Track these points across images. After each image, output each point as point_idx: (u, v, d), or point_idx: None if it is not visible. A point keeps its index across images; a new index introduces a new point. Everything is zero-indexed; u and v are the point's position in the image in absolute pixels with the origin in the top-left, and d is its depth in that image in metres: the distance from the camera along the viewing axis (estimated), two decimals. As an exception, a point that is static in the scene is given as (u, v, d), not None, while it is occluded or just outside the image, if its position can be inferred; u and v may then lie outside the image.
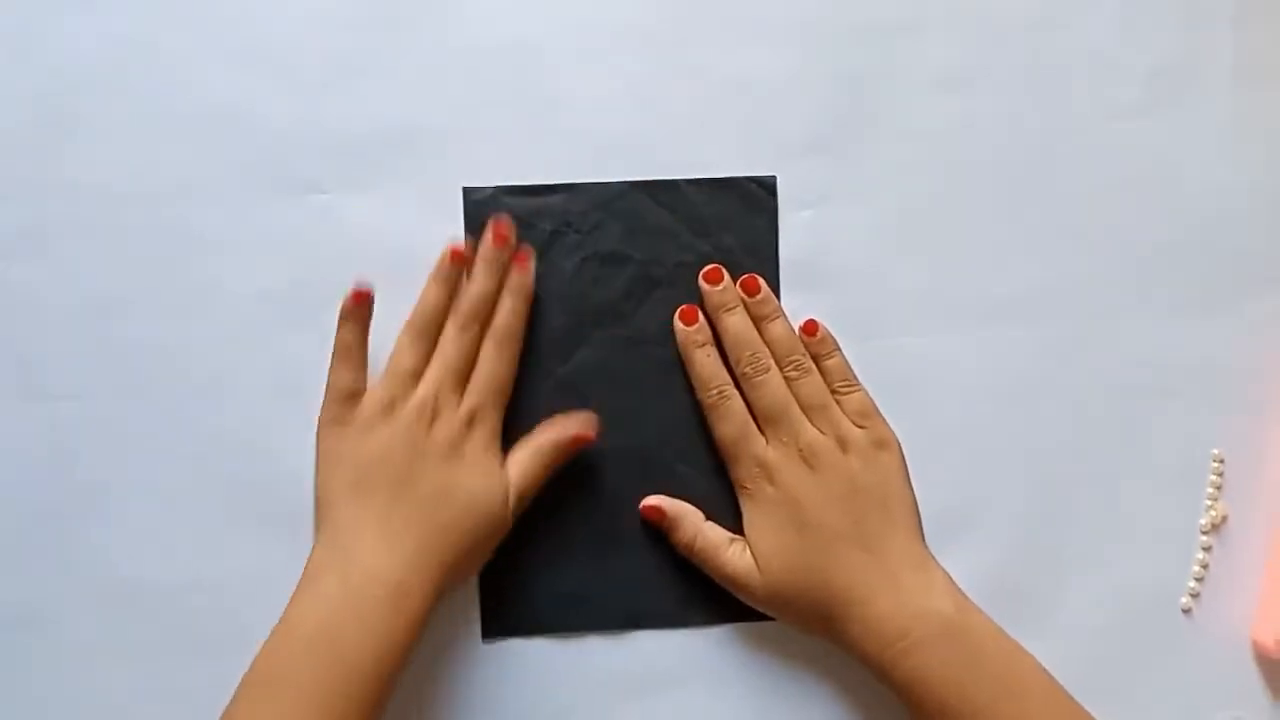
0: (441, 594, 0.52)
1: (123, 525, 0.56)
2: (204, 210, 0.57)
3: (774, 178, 0.59)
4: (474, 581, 0.57)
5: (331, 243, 0.58)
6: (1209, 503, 0.59)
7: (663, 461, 0.58)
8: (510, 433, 0.56)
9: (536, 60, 0.58)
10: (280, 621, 0.50)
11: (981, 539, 0.58)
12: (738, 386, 0.57)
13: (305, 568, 0.51)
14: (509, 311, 0.56)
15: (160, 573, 0.56)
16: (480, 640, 0.57)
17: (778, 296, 0.58)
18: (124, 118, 0.57)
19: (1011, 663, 0.52)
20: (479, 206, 0.58)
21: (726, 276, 0.58)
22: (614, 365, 0.58)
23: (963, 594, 0.53)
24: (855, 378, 0.57)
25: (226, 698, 0.52)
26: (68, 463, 0.57)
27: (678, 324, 0.58)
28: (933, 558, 0.54)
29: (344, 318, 0.55)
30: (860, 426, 0.55)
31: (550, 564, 0.57)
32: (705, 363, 0.57)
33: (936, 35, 0.59)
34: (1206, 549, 0.58)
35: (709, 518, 0.57)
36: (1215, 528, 0.58)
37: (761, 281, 0.58)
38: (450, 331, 0.55)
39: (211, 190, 0.57)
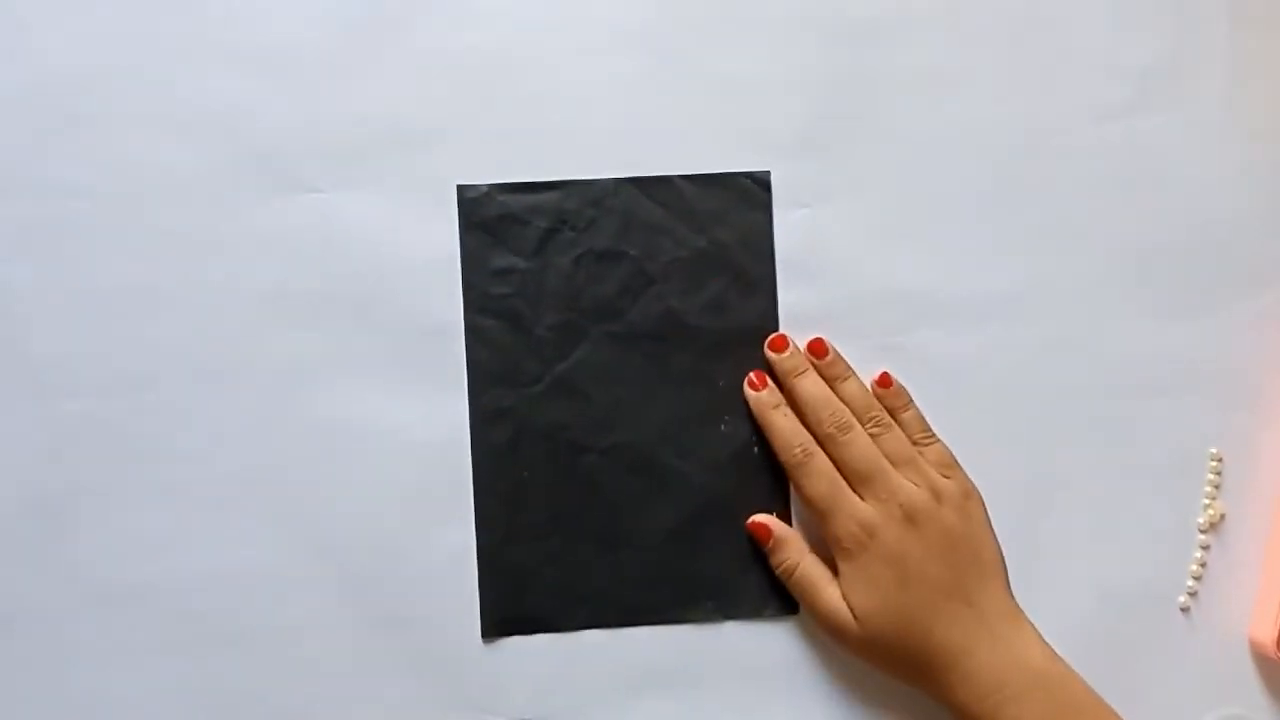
0: None
1: (122, 525, 0.57)
2: (200, 210, 0.57)
3: (768, 173, 0.58)
4: (473, 579, 0.57)
5: (327, 242, 0.58)
6: (1206, 502, 0.58)
7: (660, 458, 0.58)
8: (510, 429, 0.57)
9: (529, 59, 0.58)
10: None
11: None
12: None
13: None
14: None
15: (159, 573, 0.57)
16: (479, 639, 0.57)
17: (774, 292, 0.58)
18: (121, 118, 0.57)
19: (1100, 713, 0.53)
20: (473, 204, 0.58)
21: (792, 342, 0.58)
22: (611, 362, 0.58)
23: (1049, 645, 0.54)
24: (931, 428, 0.57)
25: (225, 699, 0.53)
26: (66, 462, 0.57)
27: (748, 391, 0.58)
28: (1020, 609, 0.55)
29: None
30: (945, 477, 0.56)
31: (549, 561, 0.58)
32: (784, 423, 0.57)
33: (929, 34, 0.59)
34: (1204, 548, 0.58)
35: (707, 514, 0.58)
36: (1213, 526, 0.58)
37: (829, 343, 0.58)
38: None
39: (208, 190, 0.57)
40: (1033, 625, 0.54)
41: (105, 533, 0.57)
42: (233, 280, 0.57)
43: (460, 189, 0.58)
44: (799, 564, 0.56)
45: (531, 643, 0.57)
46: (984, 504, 0.56)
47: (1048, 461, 0.59)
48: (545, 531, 0.58)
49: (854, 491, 0.55)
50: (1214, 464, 0.58)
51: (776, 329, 0.58)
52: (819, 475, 0.55)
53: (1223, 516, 0.58)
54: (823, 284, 0.59)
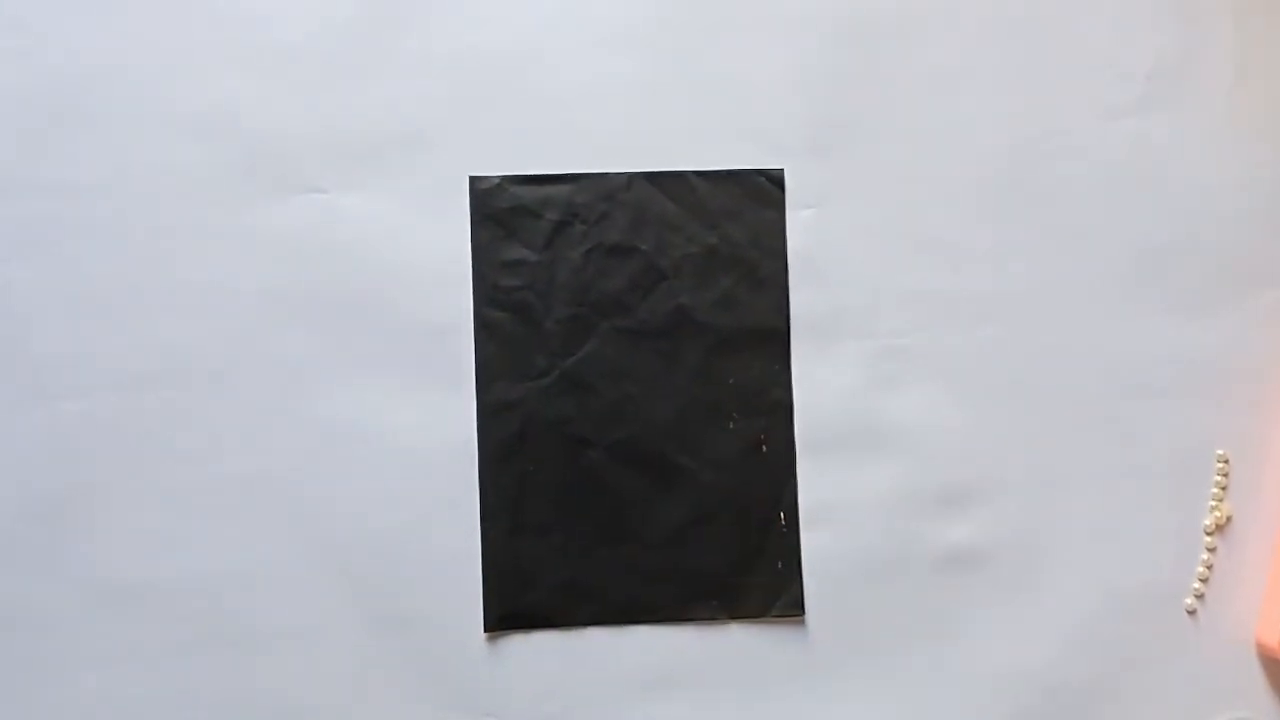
0: None
1: (123, 526, 0.56)
2: (203, 210, 0.57)
3: (782, 171, 0.59)
4: (476, 573, 0.56)
5: (331, 241, 0.57)
6: (1213, 503, 0.58)
7: (667, 454, 0.58)
8: (517, 422, 0.57)
9: (539, 57, 0.58)
10: None
11: (983, 538, 0.58)
12: None
13: None
14: None
15: (160, 573, 0.56)
16: (482, 633, 0.56)
17: (785, 290, 0.58)
18: (125, 118, 0.57)
19: None
20: (485, 196, 0.58)
21: None
22: (620, 357, 0.58)
23: None
24: None
25: (226, 699, 0.52)
26: (68, 462, 0.56)
27: None
28: None
29: None
30: None
31: (553, 556, 0.57)
32: None
33: (937, 35, 0.59)
34: (1211, 550, 0.58)
35: (713, 512, 0.57)
36: (1220, 528, 0.58)
37: None
38: None
39: (211, 190, 0.57)
40: None
41: (107, 533, 0.56)
42: (236, 280, 0.57)
43: (473, 180, 0.58)
44: None
45: (534, 640, 0.57)
46: None
47: (1053, 462, 0.58)
48: (550, 526, 0.57)
49: None
50: (1221, 465, 0.59)
51: (787, 327, 0.58)
52: None
53: (1229, 518, 0.58)
54: (830, 283, 0.59)
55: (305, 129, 0.57)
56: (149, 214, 0.57)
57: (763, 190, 0.59)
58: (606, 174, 0.58)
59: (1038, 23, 0.60)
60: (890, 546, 0.58)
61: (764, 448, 0.58)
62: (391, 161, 0.58)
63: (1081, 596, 0.58)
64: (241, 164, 0.57)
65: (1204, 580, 0.58)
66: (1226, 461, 0.59)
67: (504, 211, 0.58)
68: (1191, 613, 0.58)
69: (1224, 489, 0.58)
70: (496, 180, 0.58)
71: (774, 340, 0.58)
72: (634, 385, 0.58)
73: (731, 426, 0.58)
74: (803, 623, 0.57)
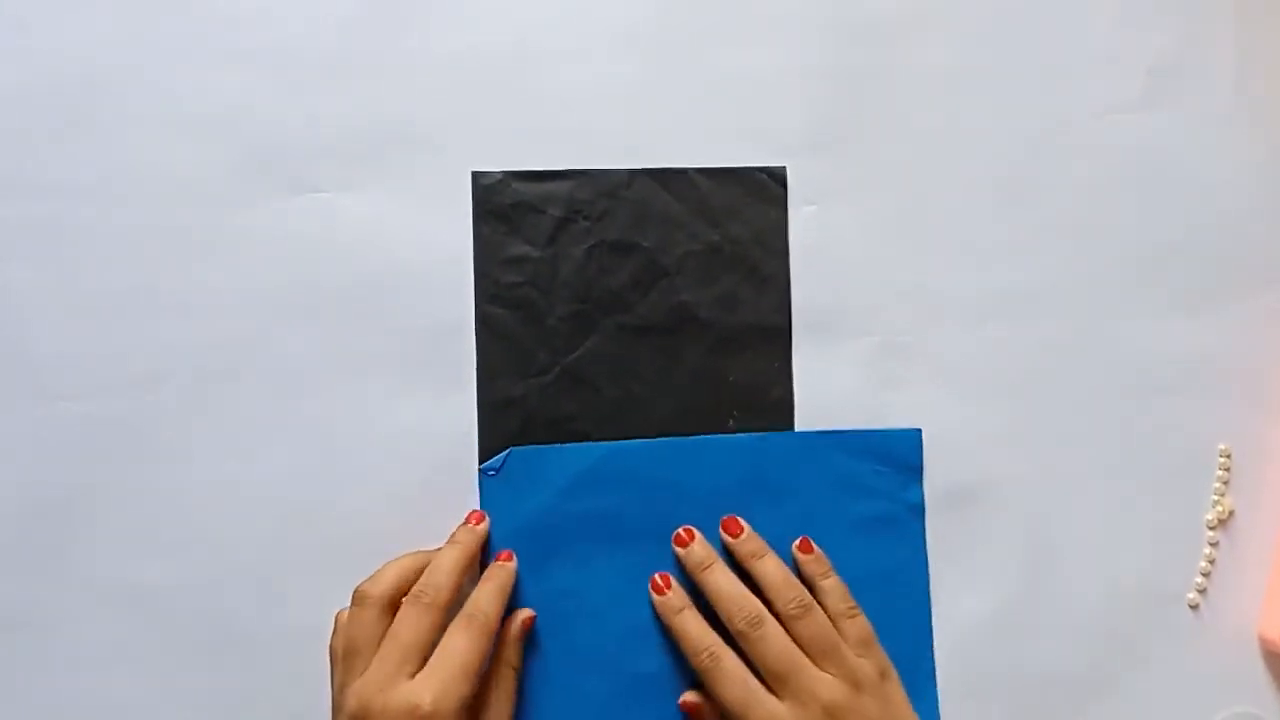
0: None
1: (122, 526, 0.55)
2: (202, 210, 0.57)
3: (784, 168, 0.59)
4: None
5: (331, 242, 0.57)
6: (1215, 498, 0.59)
7: (668, 452, 0.58)
8: (518, 419, 0.56)
9: (540, 55, 0.58)
10: None
11: (984, 535, 0.58)
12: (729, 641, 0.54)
13: None
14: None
15: (162, 575, 0.55)
16: None
17: (788, 288, 0.58)
18: (122, 118, 0.57)
19: None
20: (487, 191, 0.57)
21: (697, 534, 0.56)
22: (621, 354, 0.58)
23: None
24: (852, 597, 0.55)
25: (226, 700, 0.51)
26: (68, 463, 0.56)
27: (651, 594, 0.56)
28: None
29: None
30: (861, 656, 0.54)
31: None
32: (688, 627, 0.54)
33: (938, 32, 0.60)
34: (1213, 544, 0.58)
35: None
36: (1222, 523, 0.59)
37: (742, 521, 0.56)
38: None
39: (210, 190, 0.57)
40: None
41: (107, 534, 0.55)
42: (236, 281, 0.57)
43: (475, 175, 0.57)
44: None
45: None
46: (899, 679, 0.55)
47: (1056, 459, 0.59)
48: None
49: (771, 691, 0.52)
50: (1223, 460, 0.59)
51: (789, 325, 0.58)
52: (730, 680, 0.52)
53: (1232, 513, 0.59)
54: (831, 281, 0.59)
55: (305, 129, 0.57)
56: (150, 215, 0.56)
57: (765, 188, 0.59)
58: (609, 170, 0.58)
59: (1038, 20, 0.60)
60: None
61: (766, 446, 0.58)
62: (393, 160, 0.57)
63: (1083, 592, 0.58)
64: (241, 164, 0.57)
65: (1206, 575, 0.58)
66: (1229, 456, 0.59)
67: (506, 207, 0.57)
68: (1194, 607, 0.58)
69: (1226, 484, 0.59)
70: (499, 176, 0.58)
71: (776, 338, 0.58)
72: (635, 382, 0.58)
73: (732, 424, 0.58)
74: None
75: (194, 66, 0.57)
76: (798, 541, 0.56)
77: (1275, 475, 0.59)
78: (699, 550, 0.56)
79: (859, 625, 0.55)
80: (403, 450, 0.56)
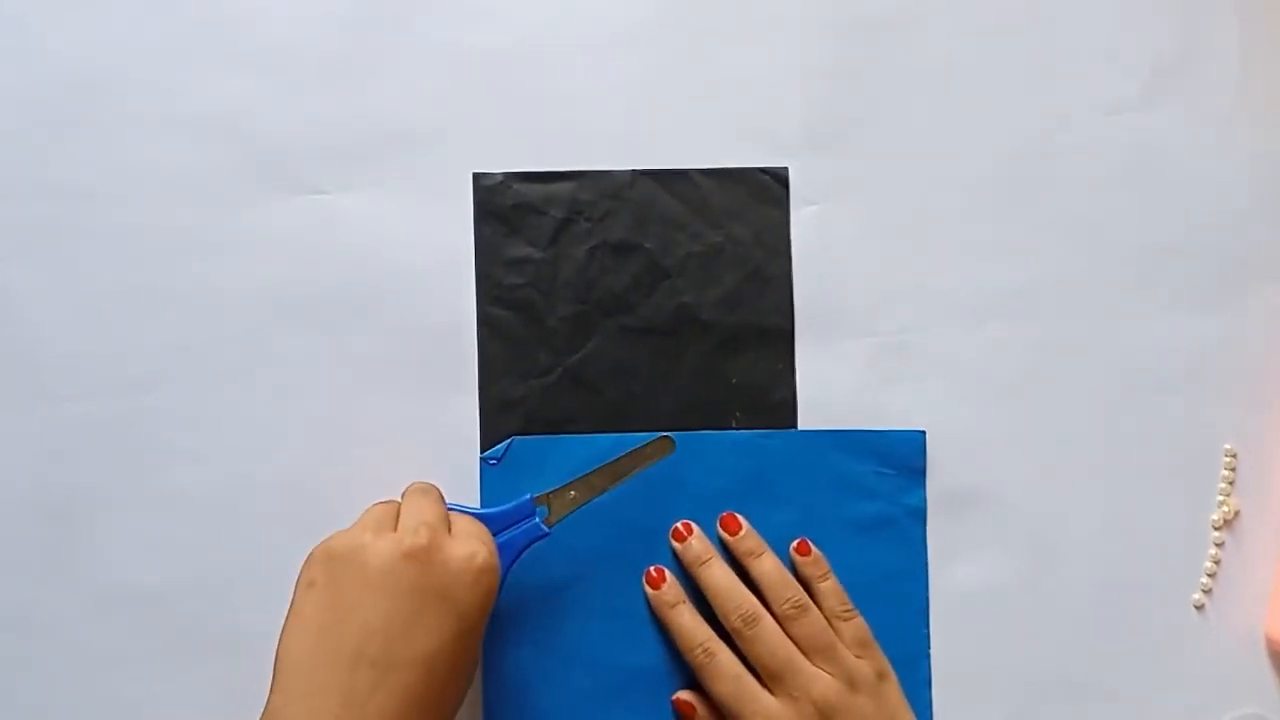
0: None
1: (128, 528, 0.56)
2: (204, 211, 0.57)
3: (786, 169, 0.59)
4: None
5: (332, 243, 0.57)
6: (1221, 498, 0.58)
7: (670, 454, 0.58)
8: (519, 420, 0.57)
9: (540, 55, 0.58)
10: None
11: (988, 535, 0.58)
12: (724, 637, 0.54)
13: None
14: None
15: (162, 576, 0.56)
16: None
17: (790, 289, 0.58)
18: (125, 119, 0.57)
19: None
20: (488, 193, 0.57)
21: (695, 529, 0.56)
22: (623, 355, 0.58)
23: None
24: (849, 600, 0.56)
25: (228, 701, 0.51)
26: (69, 465, 0.56)
27: (646, 589, 0.56)
28: None
29: None
30: (859, 657, 0.54)
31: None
32: (683, 622, 0.54)
33: (939, 30, 0.60)
34: (1218, 545, 0.58)
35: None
36: (1227, 523, 0.58)
37: (740, 518, 0.56)
38: None
39: (211, 191, 0.57)
40: None
41: (112, 536, 0.56)
42: (238, 282, 0.57)
43: (476, 177, 0.57)
44: None
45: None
46: (898, 681, 0.55)
47: (1060, 460, 0.58)
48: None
49: (765, 688, 0.53)
50: (1228, 460, 0.58)
51: (791, 326, 0.58)
52: (724, 676, 0.53)
53: (1237, 513, 0.58)
54: (833, 280, 0.59)
55: (306, 129, 0.57)
56: (152, 215, 0.57)
57: (767, 188, 0.59)
58: (610, 171, 0.58)
59: (1039, 18, 0.60)
60: (895, 545, 0.57)
61: (768, 446, 0.58)
62: (394, 160, 0.57)
63: (1087, 593, 0.58)
64: (242, 165, 0.57)
65: (1211, 575, 0.58)
66: (1234, 456, 0.58)
67: (507, 209, 0.58)
68: (1199, 608, 0.58)
69: (1231, 484, 0.58)
70: (500, 177, 0.58)
71: (778, 339, 0.58)
72: (637, 384, 0.58)
73: (735, 425, 0.58)
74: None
75: (194, 67, 0.57)
76: (795, 543, 0.56)
77: (1280, 475, 0.59)
78: (697, 545, 0.56)
79: (855, 626, 0.55)
80: (404, 451, 0.56)
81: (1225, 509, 0.58)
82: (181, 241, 0.57)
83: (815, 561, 0.56)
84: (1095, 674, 0.57)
